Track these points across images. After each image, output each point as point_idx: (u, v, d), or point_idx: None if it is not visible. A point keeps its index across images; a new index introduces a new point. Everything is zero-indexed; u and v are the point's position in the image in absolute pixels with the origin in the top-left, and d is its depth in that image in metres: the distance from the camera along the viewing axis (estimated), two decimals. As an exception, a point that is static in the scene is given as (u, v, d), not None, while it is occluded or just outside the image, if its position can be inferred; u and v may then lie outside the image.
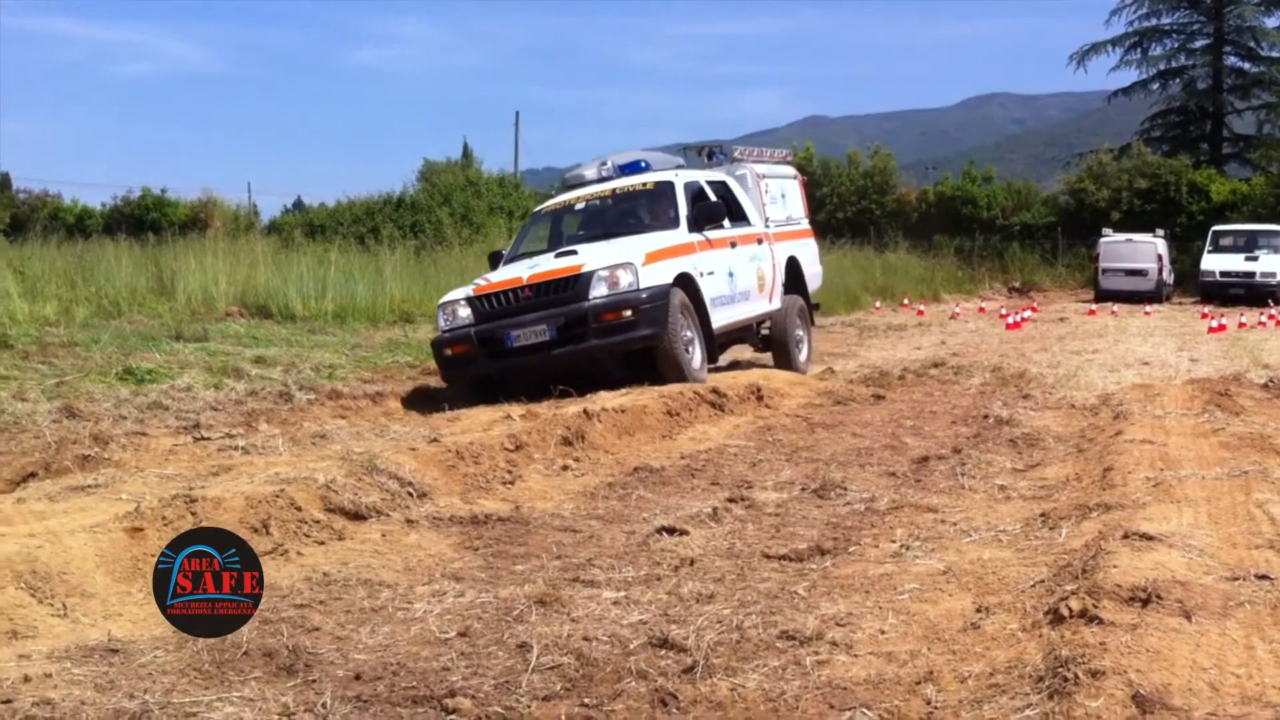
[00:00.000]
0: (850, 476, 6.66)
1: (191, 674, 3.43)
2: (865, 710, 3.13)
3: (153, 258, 16.68)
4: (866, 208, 42.20)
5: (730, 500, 6.01)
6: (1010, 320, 20.29)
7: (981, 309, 26.50)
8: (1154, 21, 47.76)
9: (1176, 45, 47.67)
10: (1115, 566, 3.85)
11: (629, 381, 9.85)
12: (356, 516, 5.38)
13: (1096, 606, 3.48)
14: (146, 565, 4.37)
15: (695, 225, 11.46)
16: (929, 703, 3.16)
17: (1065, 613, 3.53)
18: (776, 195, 14.06)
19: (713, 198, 12.04)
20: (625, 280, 10.17)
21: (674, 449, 7.83)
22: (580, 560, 4.89)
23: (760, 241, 12.94)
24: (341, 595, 4.34)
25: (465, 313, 10.59)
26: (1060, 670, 3.09)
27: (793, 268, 13.76)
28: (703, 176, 12.56)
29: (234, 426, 7.94)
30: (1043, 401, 9.84)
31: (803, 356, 13.63)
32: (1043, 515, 5.38)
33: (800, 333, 13.73)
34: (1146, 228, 33.60)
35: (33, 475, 6.46)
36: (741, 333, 12.77)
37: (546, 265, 10.76)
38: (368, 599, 4.30)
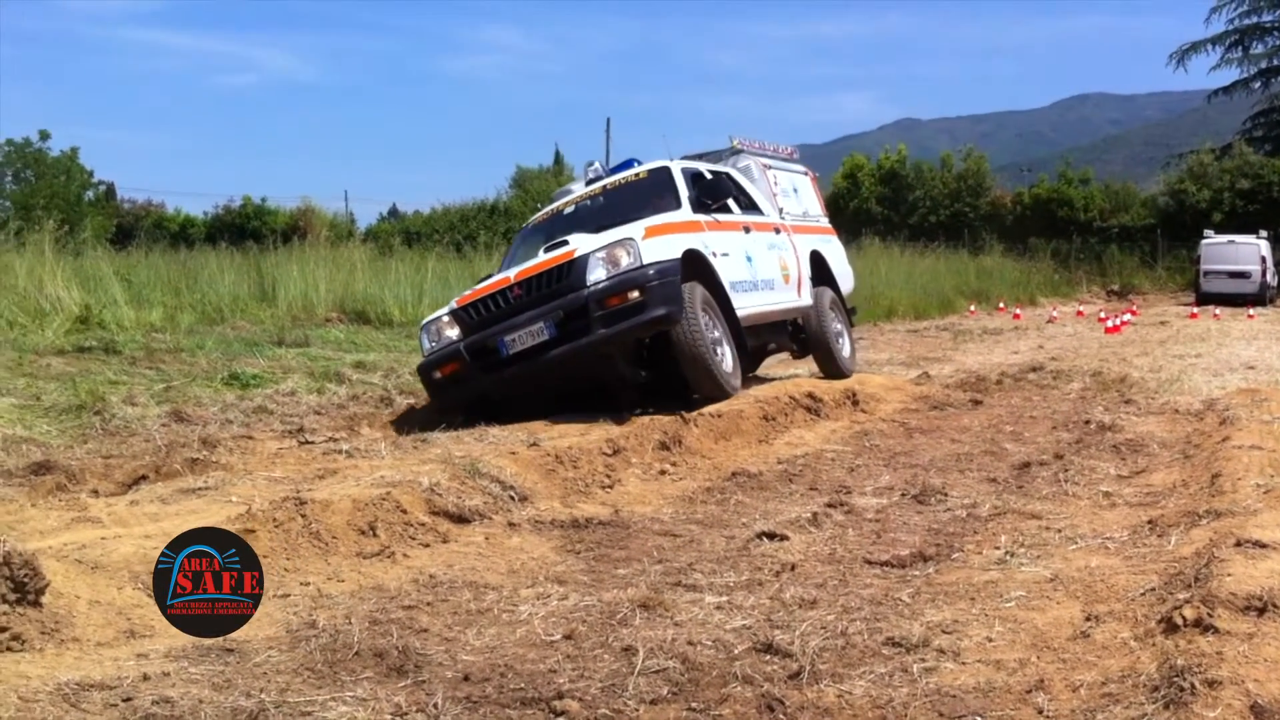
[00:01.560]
0: (950, 482, 6.61)
1: (305, 673, 3.49)
2: (977, 718, 3.11)
3: (254, 265, 16.99)
4: (960, 211, 41.87)
5: (829, 505, 5.99)
6: (1110, 324, 19.98)
7: (1080, 312, 26.14)
8: (1255, 19, 46.94)
9: (1279, 43, 46.71)
10: (1229, 575, 3.78)
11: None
12: (460, 519, 5.45)
13: (1211, 615, 3.42)
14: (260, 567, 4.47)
15: (699, 206, 10.17)
16: (1041, 711, 3.12)
17: (1179, 621, 3.47)
18: (788, 189, 12.89)
19: None
20: (626, 259, 8.79)
21: (770, 454, 7.82)
22: (681, 564, 4.90)
23: (778, 231, 11.67)
24: (448, 597, 4.39)
25: (452, 331, 9.29)
26: (1176, 680, 3.04)
27: (818, 264, 12.44)
28: (704, 166, 11.28)
29: (337, 430, 8.08)
30: (1145, 407, 9.67)
31: (846, 351, 12.32)
32: (1150, 522, 5.29)
33: (839, 326, 12.38)
34: (1249, 229, 32.99)
35: (144, 478, 6.61)
36: (774, 336, 11.66)
37: (536, 260, 9.47)
38: (474, 601, 4.35)
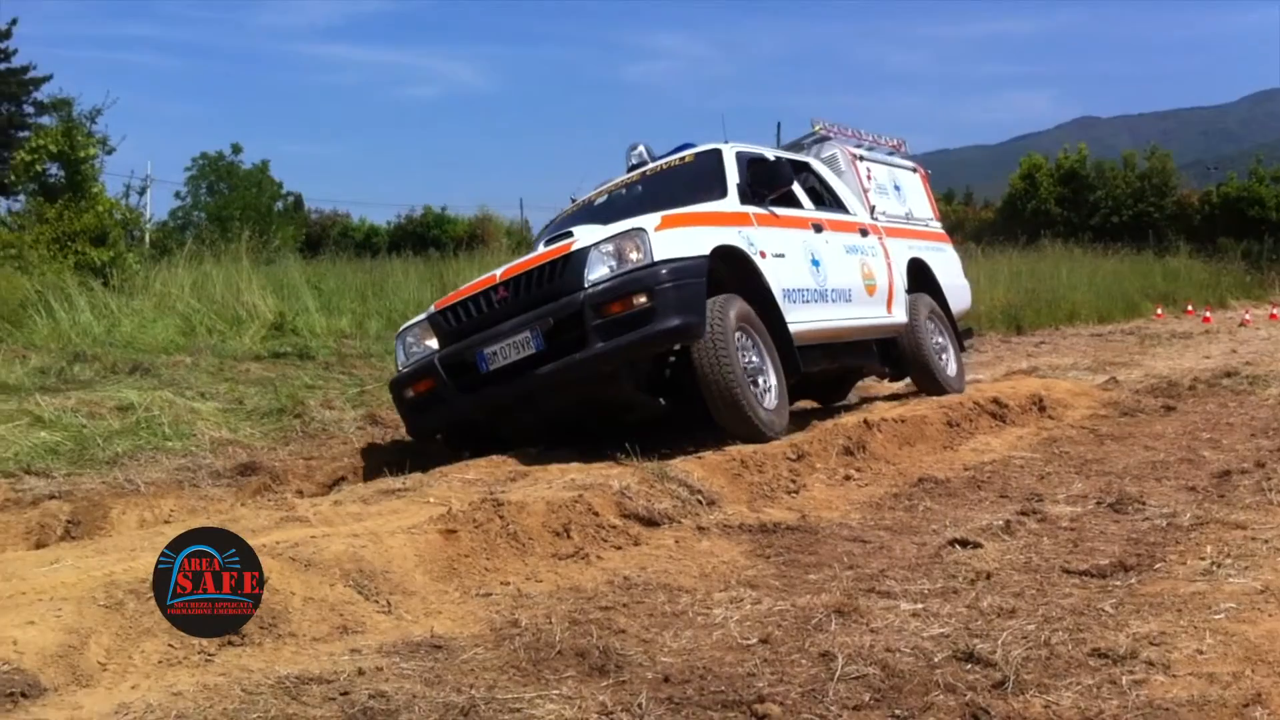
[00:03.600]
0: (1147, 490, 6.42)
1: (510, 671, 3.58)
2: (1192, 732, 3.03)
3: (436, 272, 17.43)
4: (1144, 211, 40.64)
5: (1022, 513, 5.88)
6: (1307, 327, 19.15)
7: (1273, 315, 25.06)
8: None
9: None
10: None
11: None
12: (650, 523, 5.51)
13: None
14: (461, 566, 4.61)
15: (751, 196, 8.45)
16: (1259, 727, 3.03)
17: (1405, 638, 3.33)
18: (886, 185, 11.06)
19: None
20: (634, 254, 7.13)
21: (956, 460, 7.72)
22: (873, 571, 4.87)
23: (864, 233, 9.89)
24: (643, 599, 4.45)
25: (431, 340, 7.80)
26: (1405, 698, 2.92)
27: (920, 274, 10.71)
28: (769, 151, 9.64)
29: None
30: (1351, 413, 9.26)
31: (951, 369, 10.62)
32: (1364, 533, 5.07)
33: (941, 339, 10.66)
34: None
35: (343, 479, 6.87)
36: (854, 357, 9.79)
37: (529, 255, 7.98)
38: (668, 603, 4.40)
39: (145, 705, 3.19)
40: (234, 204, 40.69)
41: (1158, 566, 4.78)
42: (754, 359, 7.62)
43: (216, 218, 35.76)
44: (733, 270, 7.70)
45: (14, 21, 56.85)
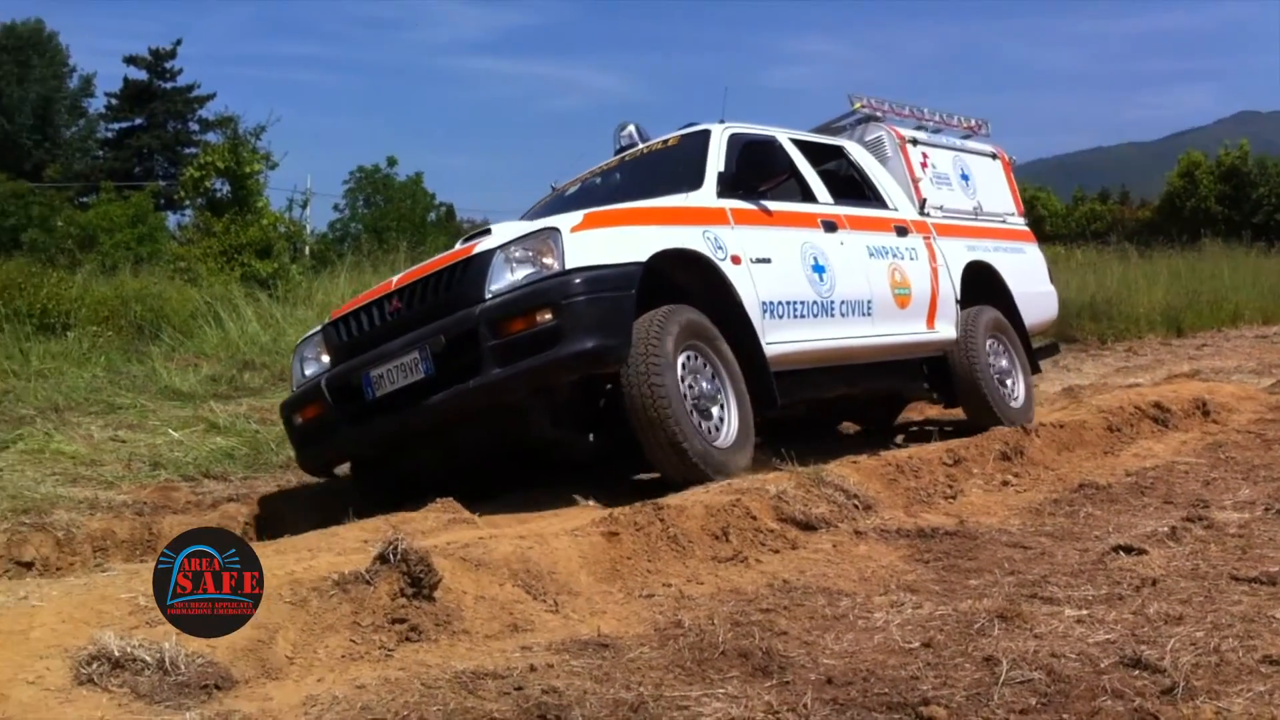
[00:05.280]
0: (1318, 497, 6.26)
1: (676, 670, 3.66)
2: (1372, 742, 2.98)
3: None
4: (1311, 208, 39.22)
5: (1187, 519, 5.77)
6: None
7: None
8: None
9: None
10: None
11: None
12: (807, 527, 5.54)
13: None
14: (624, 567, 4.72)
15: (735, 187, 7.10)
16: None
17: None
18: (948, 174, 9.32)
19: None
20: (547, 259, 5.87)
21: (1117, 465, 7.59)
22: (1034, 577, 4.84)
23: (903, 231, 8.36)
24: (803, 602, 4.49)
25: (326, 356, 6.68)
26: None
27: (982, 280, 9.01)
28: (784, 135, 8.06)
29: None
30: None
31: (1015, 399, 8.89)
32: None
33: (1004, 361, 8.91)
34: None
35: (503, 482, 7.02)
36: (881, 379, 8.20)
37: (432, 259, 6.68)
38: (828, 606, 4.44)
39: (331, 698, 3.35)
40: (390, 215, 41.72)
41: (1332, 574, 4.67)
42: (704, 385, 6.33)
43: (373, 229, 36.71)
44: (698, 280, 6.58)
45: (178, 42, 59.41)
